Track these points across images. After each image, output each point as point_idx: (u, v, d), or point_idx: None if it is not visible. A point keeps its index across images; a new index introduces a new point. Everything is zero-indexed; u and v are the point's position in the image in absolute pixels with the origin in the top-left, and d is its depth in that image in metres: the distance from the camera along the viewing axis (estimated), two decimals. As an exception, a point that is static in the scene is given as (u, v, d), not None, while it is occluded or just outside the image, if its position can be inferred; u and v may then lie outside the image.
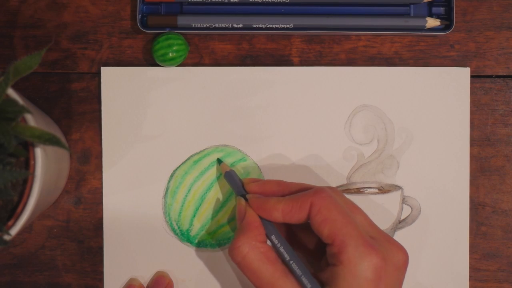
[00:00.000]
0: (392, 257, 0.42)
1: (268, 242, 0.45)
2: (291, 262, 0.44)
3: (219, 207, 0.52)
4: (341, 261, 0.42)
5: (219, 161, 0.51)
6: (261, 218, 0.46)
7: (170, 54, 0.50)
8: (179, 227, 0.52)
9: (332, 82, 0.52)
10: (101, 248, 0.52)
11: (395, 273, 0.42)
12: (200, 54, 0.53)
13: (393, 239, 0.44)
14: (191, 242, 0.52)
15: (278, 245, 0.45)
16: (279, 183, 0.48)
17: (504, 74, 0.53)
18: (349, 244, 0.41)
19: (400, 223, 0.52)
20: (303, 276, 0.43)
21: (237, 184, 0.49)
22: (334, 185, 0.52)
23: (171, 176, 0.52)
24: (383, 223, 0.51)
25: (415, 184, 0.52)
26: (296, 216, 0.44)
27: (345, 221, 0.42)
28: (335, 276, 0.42)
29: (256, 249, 0.44)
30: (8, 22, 0.52)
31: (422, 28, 0.51)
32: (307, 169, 0.52)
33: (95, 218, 0.52)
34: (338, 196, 0.45)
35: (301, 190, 0.46)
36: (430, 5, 0.52)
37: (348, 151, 0.52)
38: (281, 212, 0.45)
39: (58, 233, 0.52)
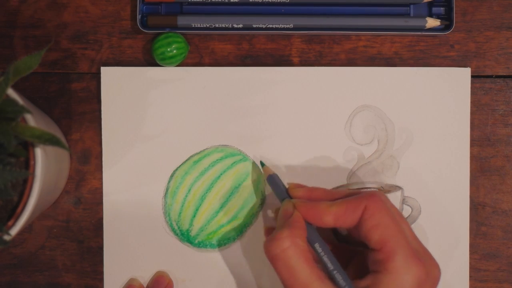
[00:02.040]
0: (432, 272, 0.42)
1: None
2: (334, 272, 0.43)
3: (219, 207, 0.52)
4: (386, 268, 0.41)
5: (262, 163, 0.51)
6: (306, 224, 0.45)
7: (170, 53, 0.50)
8: (179, 227, 0.52)
9: (332, 82, 0.52)
10: (101, 248, 0.52)
11: None
12: (200, 54, 0.53)
13: (431, 254, 0.44)
14: (191, 242, 0.52)
15: (322, 253, 0.44)
16: (326, 190, 0.47)
17: (504, 74, 0.53)
18: (398, 252, 0.41)
19: (400, 223, 0.52)
20: (347, 287, 0.42)
21: (280, 189, 0.48)
22: (334, 185, 0.52)
23: (171, 176, 0.52)
24: (383, 223, 0.51)
25: (415, 184, 0.52)
26: (349, 219, 0.43)
27: (397, 229, 0.42)
28: (377, 283, 0.41)
29: (298, 246, 0.43)
30: (8, 22, 0.52)
31: (422, 28, 0.51)
32: (308, 169, 0.52)
33: (95, 218, 0.52)
34: (389, 203, 0.45)
35: (349, 196, 0.45)
36: (430, 5, 0.52)
37: (348, 151, 0.52)
38: (333, 215, 0.43)
39: (58, 233, 0.52)
